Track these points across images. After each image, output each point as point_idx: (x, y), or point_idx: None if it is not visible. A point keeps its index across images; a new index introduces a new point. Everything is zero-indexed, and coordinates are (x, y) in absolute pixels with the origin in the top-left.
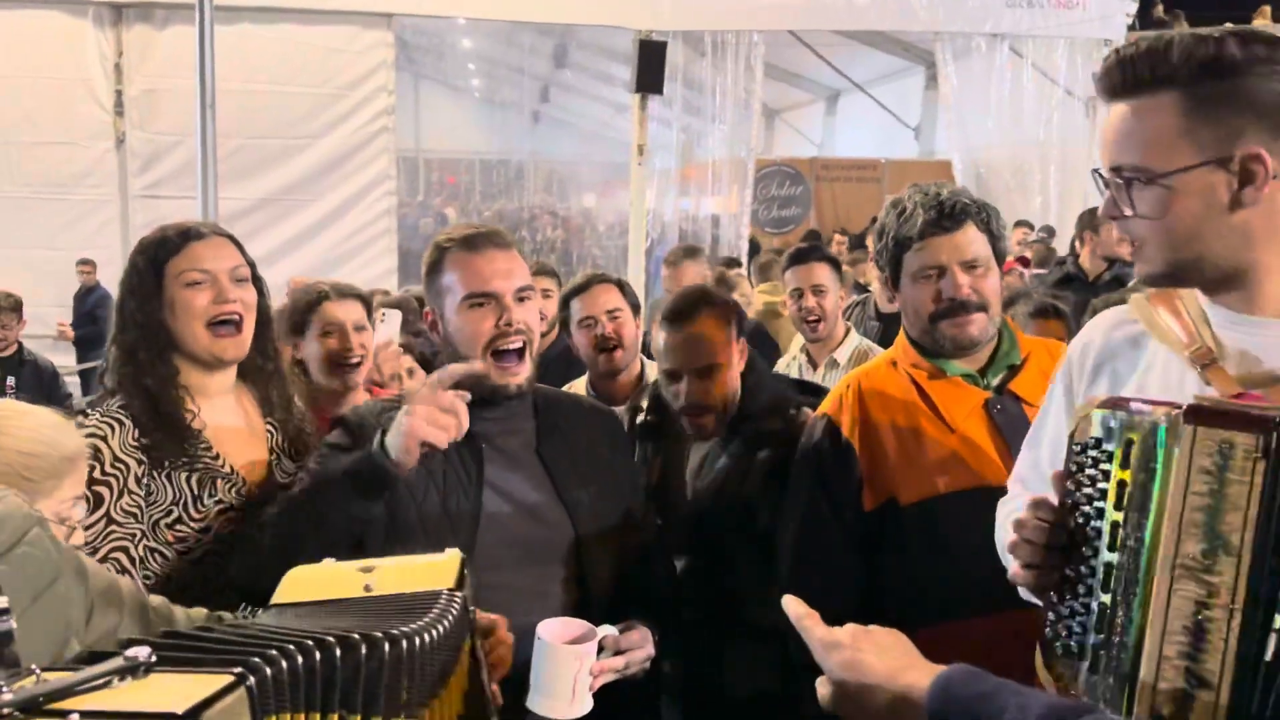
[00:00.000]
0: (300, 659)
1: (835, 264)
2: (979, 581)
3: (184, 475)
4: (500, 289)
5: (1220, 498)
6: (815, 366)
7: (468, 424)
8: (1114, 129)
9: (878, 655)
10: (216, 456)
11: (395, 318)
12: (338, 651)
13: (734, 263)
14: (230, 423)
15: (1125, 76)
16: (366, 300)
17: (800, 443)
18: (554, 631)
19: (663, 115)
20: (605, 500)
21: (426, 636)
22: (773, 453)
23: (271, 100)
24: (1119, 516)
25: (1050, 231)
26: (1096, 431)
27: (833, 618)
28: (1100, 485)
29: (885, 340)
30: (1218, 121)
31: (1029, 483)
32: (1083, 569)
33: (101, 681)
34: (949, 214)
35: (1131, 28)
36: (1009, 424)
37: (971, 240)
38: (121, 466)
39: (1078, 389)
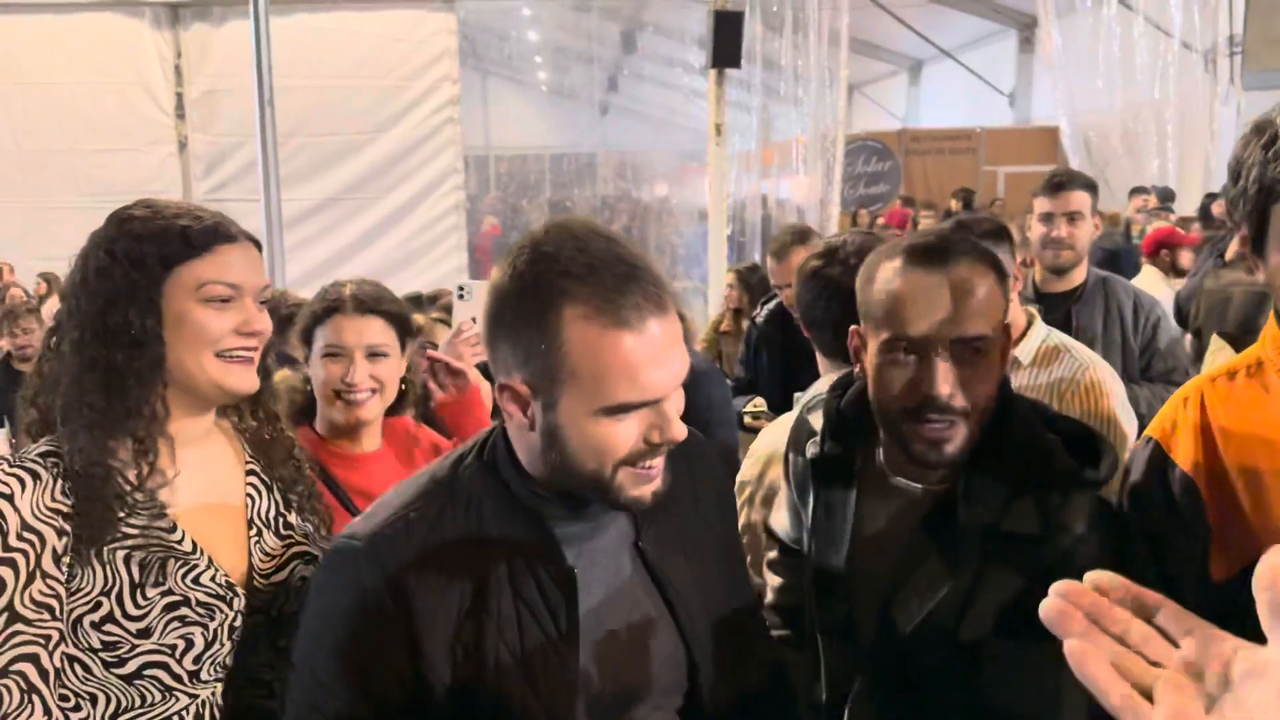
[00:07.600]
0: None
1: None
2: None
3: (123, 554)
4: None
5: None
6: None
7: None
8: None
9: None
10: (173, 529)
11: (480, 290)
12: None
13: None
14: (197, 480)
15: None
16: (399, 316)
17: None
18: None
19: (738, 99)
20: (716, 595)
21: None
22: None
23: (332, 95)
24: None
25: (1169, 195)
26: None
27: None
28: None
29: None
30: None
31: None
32: None
33: None
34: None
35: None
36: None
37: None
38: (33, 538)
39: None
